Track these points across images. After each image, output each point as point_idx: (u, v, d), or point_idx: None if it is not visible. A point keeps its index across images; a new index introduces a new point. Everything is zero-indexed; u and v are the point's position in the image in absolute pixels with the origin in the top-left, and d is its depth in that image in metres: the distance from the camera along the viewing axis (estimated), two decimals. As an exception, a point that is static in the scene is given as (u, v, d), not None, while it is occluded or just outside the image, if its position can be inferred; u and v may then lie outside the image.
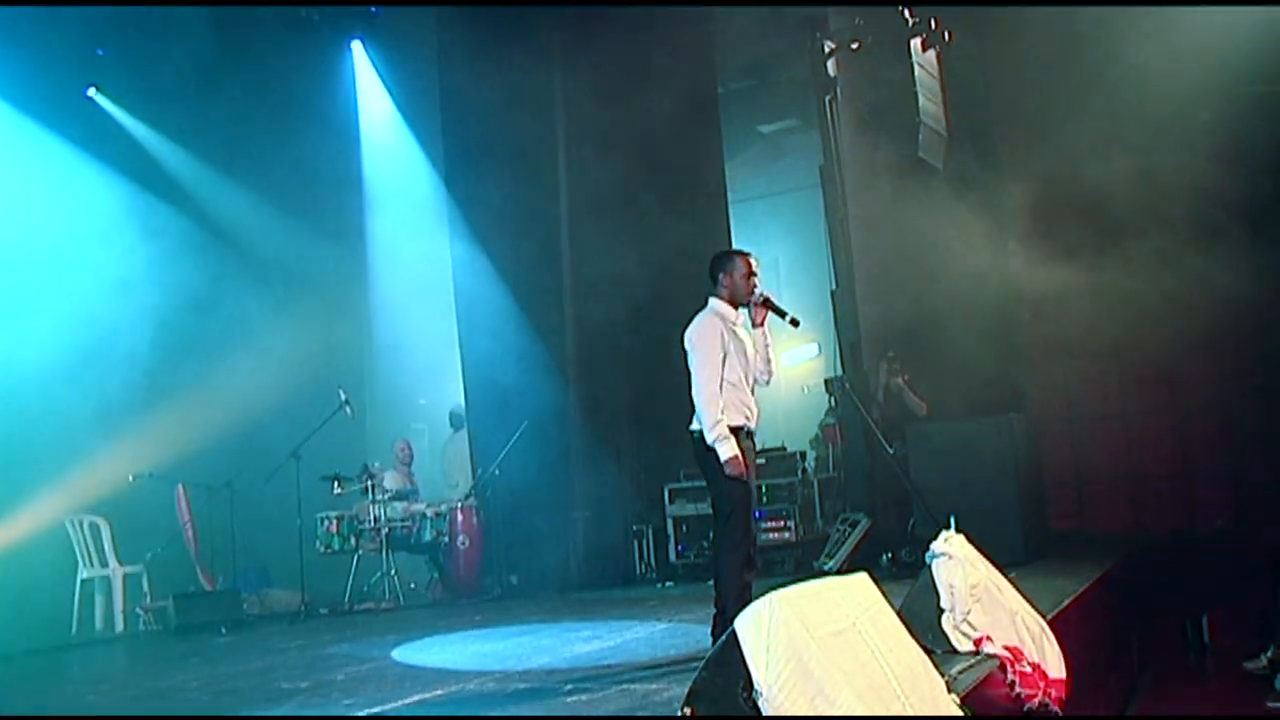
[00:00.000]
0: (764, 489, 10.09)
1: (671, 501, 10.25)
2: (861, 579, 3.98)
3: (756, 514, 10.02)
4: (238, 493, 9.32)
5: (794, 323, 5.20)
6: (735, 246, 5.72)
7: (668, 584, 9.65)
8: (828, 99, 9.78)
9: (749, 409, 5.22)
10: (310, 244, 11.55)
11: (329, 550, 9.63)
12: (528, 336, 10.25)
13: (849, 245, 9.71)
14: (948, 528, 5.30)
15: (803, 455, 10.66)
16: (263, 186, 10.99)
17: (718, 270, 5.32)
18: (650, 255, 10.42)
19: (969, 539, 5.20)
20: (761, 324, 5.33)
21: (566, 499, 10.14)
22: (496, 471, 10.09)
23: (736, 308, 5.30)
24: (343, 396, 9.56)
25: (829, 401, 10.69)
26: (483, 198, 10.56)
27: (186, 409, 10.04)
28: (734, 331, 5.23)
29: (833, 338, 10.63)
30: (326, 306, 11.74)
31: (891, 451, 9.01)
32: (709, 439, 5.06)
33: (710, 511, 9.83)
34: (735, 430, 5.12)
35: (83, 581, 9.04)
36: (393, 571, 9.49)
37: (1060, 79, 10.43)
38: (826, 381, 10.18)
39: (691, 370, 5.16)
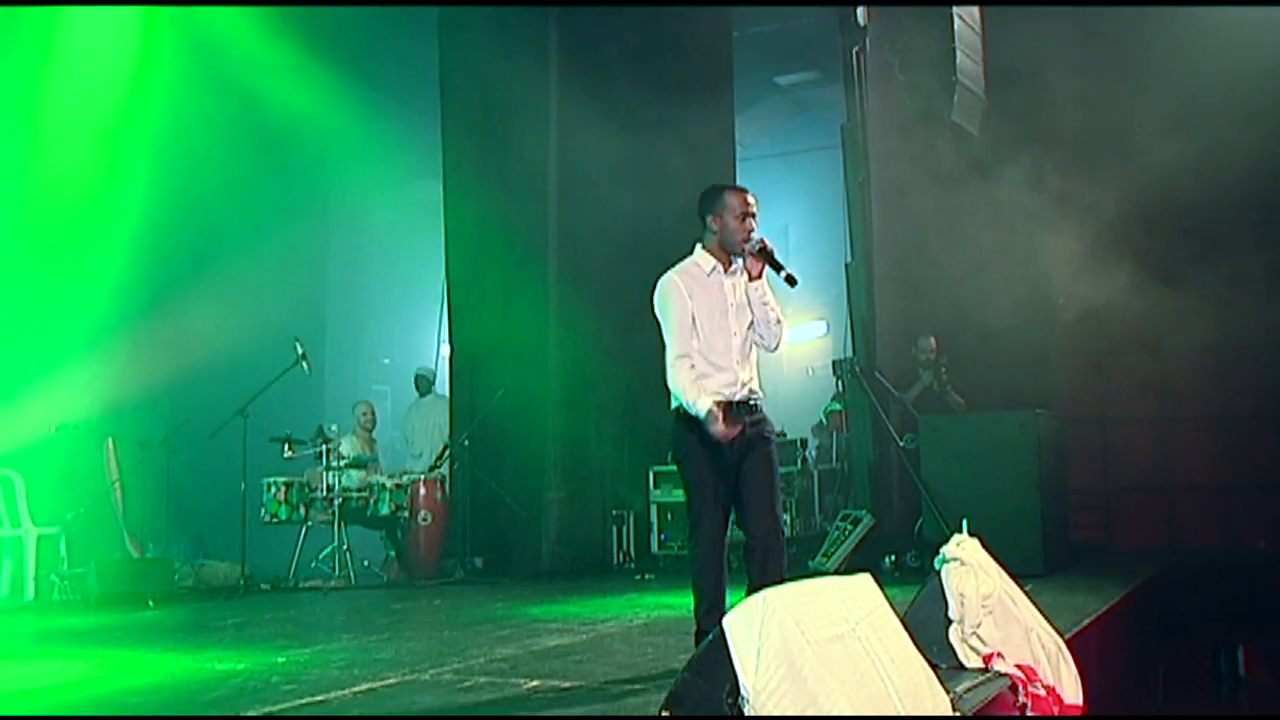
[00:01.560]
0: (759, 478, 10.08)
1: (656, 486, 10.29)
2: (864, 580, 3.97)
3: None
4: (175, 451, 9.29)
5: (790, 280, 4.77)
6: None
7: (647, 575, 9.68)
8: (855, 50, 9.71)
9: (730, 380, 4.80)
10: (268, 180, 11.46)
11: (275, 520, 9.61)
12: (517, 299, 10.23)
13: (869, 214, 9.66)
14: (959, 531, 5.28)
15: (803, 443, 10.76)
16: (214, 118, 10.86)
17: (705, 209, 4.90)
18: (645, 214, 10.44)
19: (983, 544, 5.19)
20: (758, 276, 4.84)
21: (541, 477, 10.14)
22: (466, 442, 10.07)
23: (729, 256, 4.87)
24: (299, 350, 9.51)
25: (836, 386, 10.69)
26: (476, 149, 10.64)
27: (120, 354, 9.97)
28: (707, 287, 4.82)
29: (844, 315, 10.63)
30: (285, 250, 11.66)
31: (902, 444, 9.04)
32: (686, 396, 4.71)
33: None
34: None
35: (-12, 543, 8.99)
36: (345, 546, 9.48)
37: (1116, 50, 10.38)
38: (834, 363, 10.16)
39: (662, 326, 4.87)
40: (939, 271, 9.50)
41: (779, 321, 4.91)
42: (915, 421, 9.12)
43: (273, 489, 9.62)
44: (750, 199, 4.89)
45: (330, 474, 9.63)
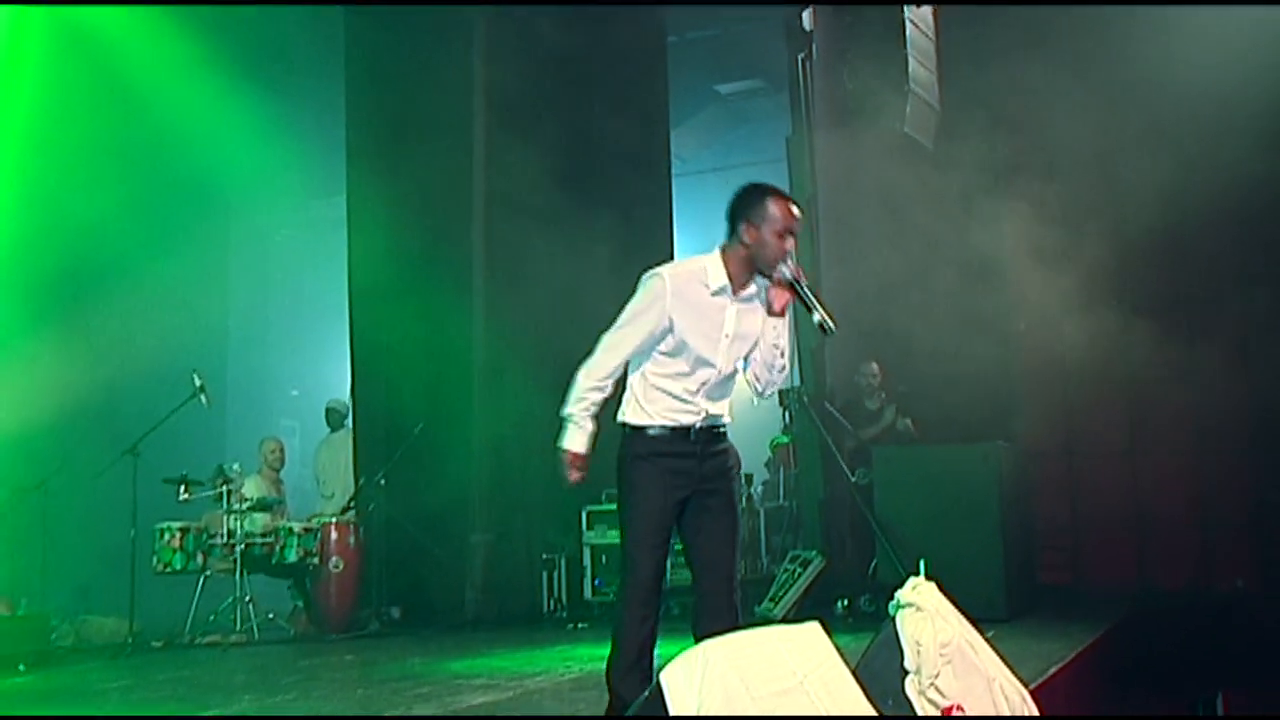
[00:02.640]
0: (700, 517, 10.08)
1: (590, 527, 10.24)
2: (812, 629, 3.96)
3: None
4: (53, 495, 9.07)
5: (824, 326, 4.29)
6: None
7: (580, 625, 9.61)
8: (800, 57, 9.80)
9: (695, 409, 4.43)
10: (159, 195, 11.29)
11: (168, 569, 9.40)
12: (431, 324, 10.15)
13: (815, 233, 9.68)
14: (916, 573, 5.28)
15: (749, 479, 10.74)
16: (95, 127, 10.68)
17: (740, 213, 4.37)
18: (577, 233, 10.43)
19: (940, 588, 5.18)
20: (780, 312, 4.38)
21: (464, 519, 10.05)
22: (381, 482, 9.96)
23: (748, 277, 4.40)
24: (197, 382, 9.38)
25: (783, 417, 10.72)
26: (387, 164, 10.57)
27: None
28: (702, 308, 4.36)
29: (791, 342, 10.63)
30: (181, 271, 11.48)
31: (854, 479, 9.06)
32: (564, 409, 4.41)
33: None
34: (663, 429, 4.40)
35: None
36: (247, 598, 9.31)
37: (1082, 60, 10.56)
38: (781, 393, 10.13)
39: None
40: (892, 294, 9.55)
41: (784, 369, 4.49)
42: (868, 455, 9.15)
43: (166, 535, 9.41)
44: (797, 214, 4.40)
45: (231, 518, 9.45)
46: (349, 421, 11.57)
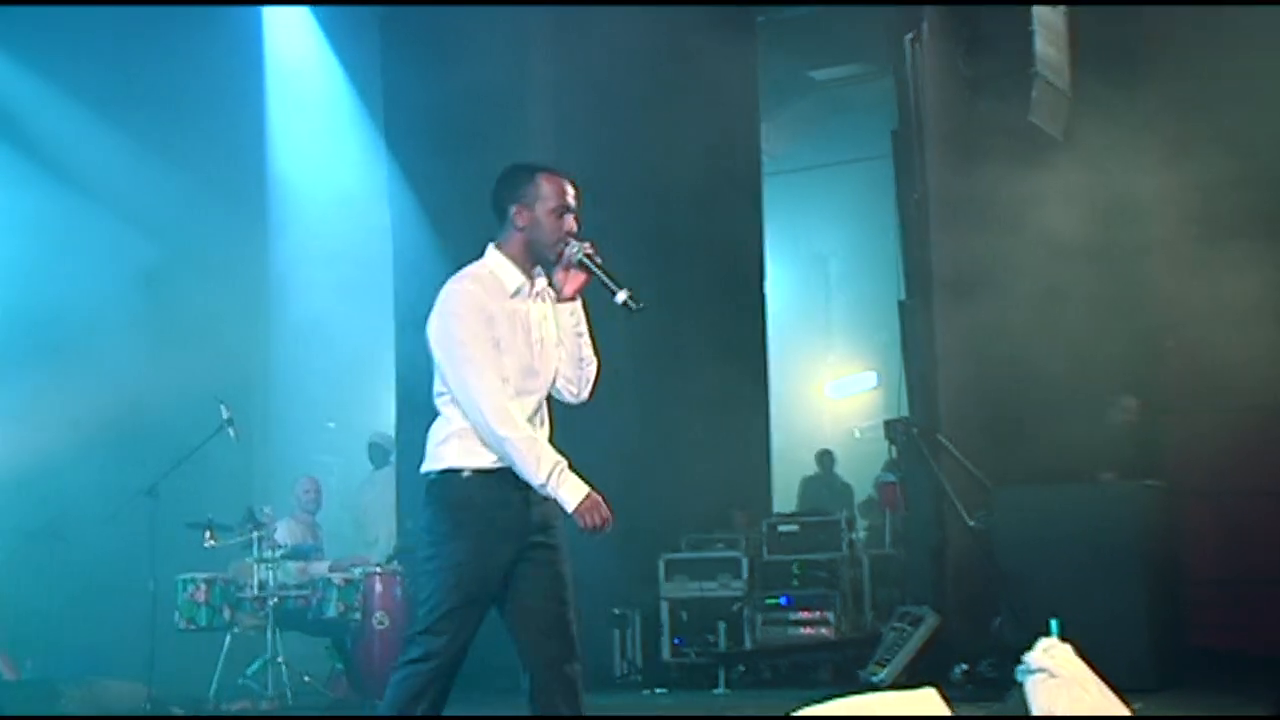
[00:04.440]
0: (795, 567, 10.07)
1: (668, 578, 10.25)
2: (929, 696, 3.96)
3: (783, 600, 10.15)
4: (64, 542, 9.19)
5: (629, 304, 4.25)
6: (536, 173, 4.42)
7: (657, 690, 9.64)
8: (909, 38, 9.73)
9: None
10: (192, 213, 11.48)
11: (191, 626, 9.49)
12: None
13: (927, 239, 9.63)
14: (1047, 634, 5.25)
15: (850, 523, 10.72)
16: (130, 132, 10.92)
17: (505, 196, 4.34)
18: (651, 247, 10.45)
19: (1076, 651, 5.15)
20: (573, 296, 4.35)
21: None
22: (429, 526, 9.99)
23: (532, 266, 4.34)
24: (224, 414, 9.46)
25: (890, 452, 10.63)
26: (433, 175, 10.70)
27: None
28: (510, 313, 4.27)
29: (897, 364, 10.58)
30: (209, 296, 11.63)
31: (972, 524, 8.96)
32: (537, 475, 4.17)
33: (719, 592, 10.17)
34: (484, 474, 4.25)
35: None
36: (280, 659, 9.37)
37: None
38: (886, 424, 10.09)
39: (446, 376, 4.28)
40: (1016, 309, 9.44)
41: (593, 362, 4.45)
42: (987, 494, 9.04)
43: (189, 588, 9.50)
44: (573, 190, 4.37)
45: (262, 568, 9.53)
46: (394, 458, 11.64)
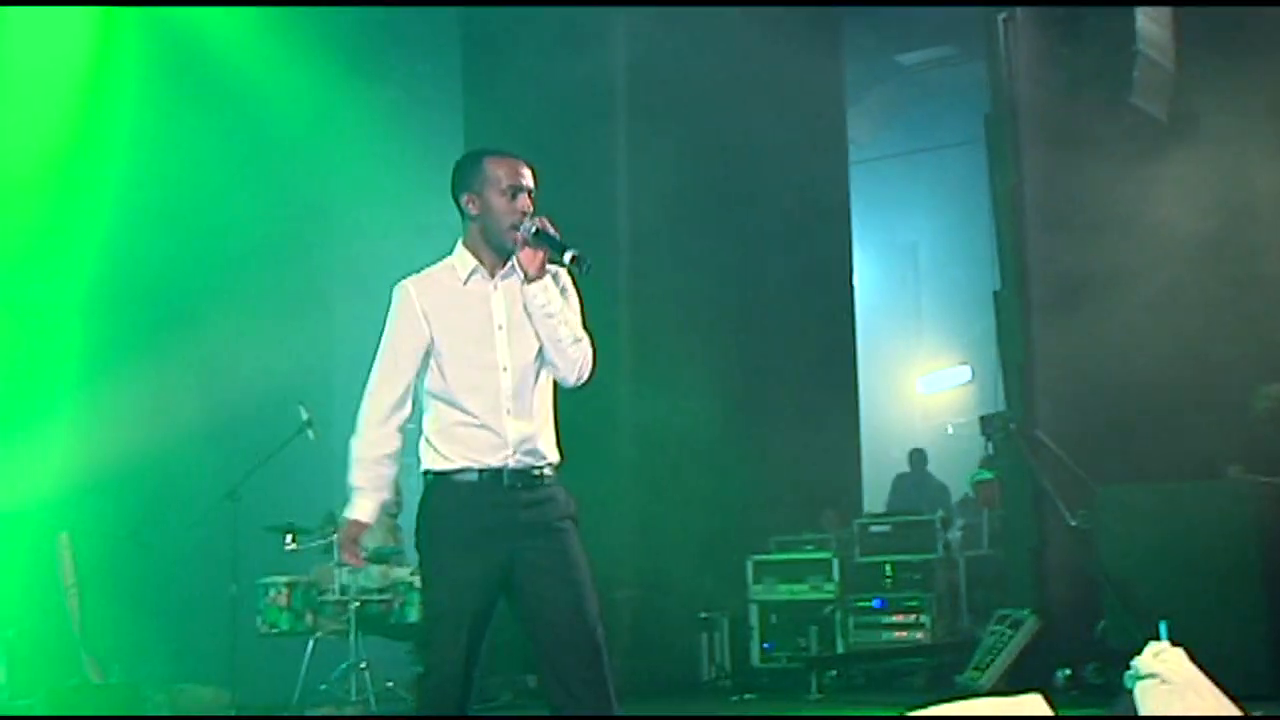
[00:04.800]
0: (888, 569, 10.02)
1: (757, 580, 10.28)
2: (1034, 702, 3.96)
3: (875, 603, 10.10)
4: (146, 547, 9.32)
5: (577, 261, 4.20)
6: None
7: (747, 696, 9.60)
8: (1001, 17, 9.66)
9: (495, 442, 4.21)
10: (258, 205, 11.59)
11: (274, 631, 9.60)
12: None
13: (1023, 227, 9.59)
14: (1156, 637, 5.19)
15: (945, 523, 10.66)
16: (191, 134, 11.05)
17: (458, 187, 4.36)
18: (737, 236, 10.43)
19: (1189, 655, 5.07)
20: (538, 274, 4.24)
21: (608, 570, 10.03)
22: (512, 528, 10.03)
23: (496, 255, 4.32)
24: (304, 415, 9.53)
25: (986, 448, 10.56)
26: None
27: (76, 424, 10.05)
28: (459, 301, 4.29)
29: (992, 357, 10.51)
30: (283, 290, 11.75)
31: (1074, 523, 8.86)
32: (352, 459, 4.30)
33: (810, 595, 10.13)
34: (449, 478, 4.22)
35: (-90, 666, 9.06)
36: (362, 664, 9.43)
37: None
38: (982, 419, 10.03)
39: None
40: (1120, 299, 9.33)
41: (577, 340, 4.33)
42: (1090, 493, 8.94)
43: (271, 592, 9.62)
44: (524, 170, 4.37)
45: (344, 571, 9.60)
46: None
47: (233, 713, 8.86)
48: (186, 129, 10.76)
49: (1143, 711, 4.94)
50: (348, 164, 12.77)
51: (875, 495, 13.43)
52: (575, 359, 4.31)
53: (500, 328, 4.27)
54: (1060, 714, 4.04)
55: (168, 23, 10.66)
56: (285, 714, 9.16)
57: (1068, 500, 9.04)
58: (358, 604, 9.54)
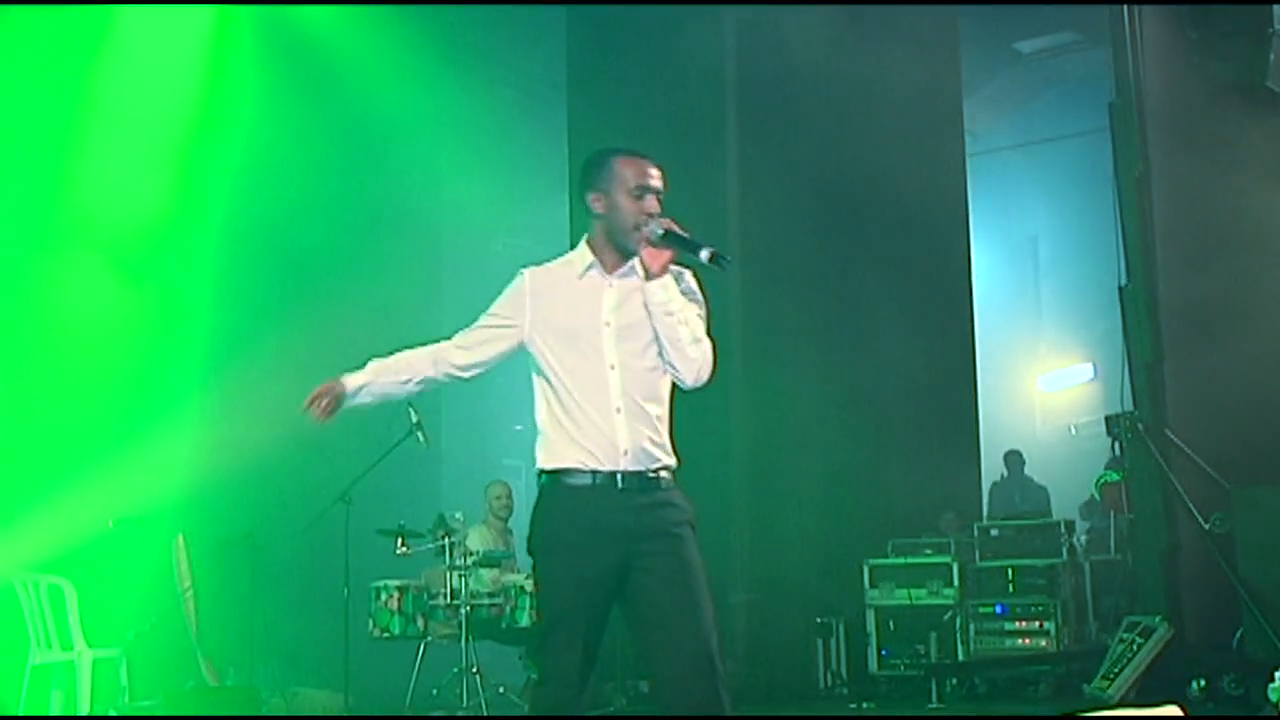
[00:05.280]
0: (1010, 573, 9.91)
1: (873, 584, 10.20)
2: (1171, 716, 3.75)
3: (997, 609, 9.95)
4: (261, 550, 9.41)
5: (716, 260, 4.11)
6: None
7: (865, 704, 9.52)
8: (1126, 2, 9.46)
9: (603, 441, 4.17)
10: (369, 207, 11.70)
11: (386, 634, 9.66)
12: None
13: (1150, 221, 9.43)
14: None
15: (1070, 526, 10.51)
16: (306, 137, 11.18)
17: (585, 184, 4.34)
18: (850, 238, 10.35)
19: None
20: (661, 272, 4.19)
21: (722, 574, 10.03)
22: (624, 531, 10.01)
23: (618, 253, 4.29)
24: (414, 418, 9.55)
25: (1112, 449, 10.37)
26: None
27: (192, 428, 10.21)
28: (572, 295, 4.27)
29: (1118, 355, 10.31)
30: (391, 291, 11.84)
31: (1208, 526, 8.72)
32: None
33: (928, 600, 10.02)
34: (561, 476, 4.19)
35: (34, 668, 9.09)
36: (474, 668, 9.47)
37: None
38: (1108, 419, 9.87)
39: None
40: (1252, 294, 9.10)
41: (697, 341, 4.22)
42: (1224, 495, 8.75)
43: (383, 595, 9.68)
44: (653, 170, 4.30)
45: (455, 575, 9.63)
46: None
47: (346, 715, 8.91)
48: (301, 127, 10.93)
49: (1288, 727, 4.78)
50: (458, 162, 12.87)
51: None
52: (695, 360, 4.20)
53: (607, 325, 4.23)
54: (1198, 728, 3.89)
55: (281, 20, 10.84)
56: (398, 716, 9.23)
57: (1201, 503, 8.89)
58: (468, 608, 9.57)
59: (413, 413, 9.59)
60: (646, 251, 4.17)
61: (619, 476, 4.13)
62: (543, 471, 4.23)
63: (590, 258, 4.29)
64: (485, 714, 9.35)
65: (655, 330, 4.19)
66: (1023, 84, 14.84)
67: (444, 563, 9.66)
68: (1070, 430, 14.71)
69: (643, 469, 4.17)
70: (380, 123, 11.79)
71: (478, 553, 9.94)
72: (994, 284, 15.93)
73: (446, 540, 9.64)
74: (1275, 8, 8.72)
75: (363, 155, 11.67)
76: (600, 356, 4.19)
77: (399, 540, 9.52)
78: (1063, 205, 15.43)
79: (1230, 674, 8.29)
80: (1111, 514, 10.95)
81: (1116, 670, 8.66)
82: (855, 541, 10.36)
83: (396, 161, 12.20)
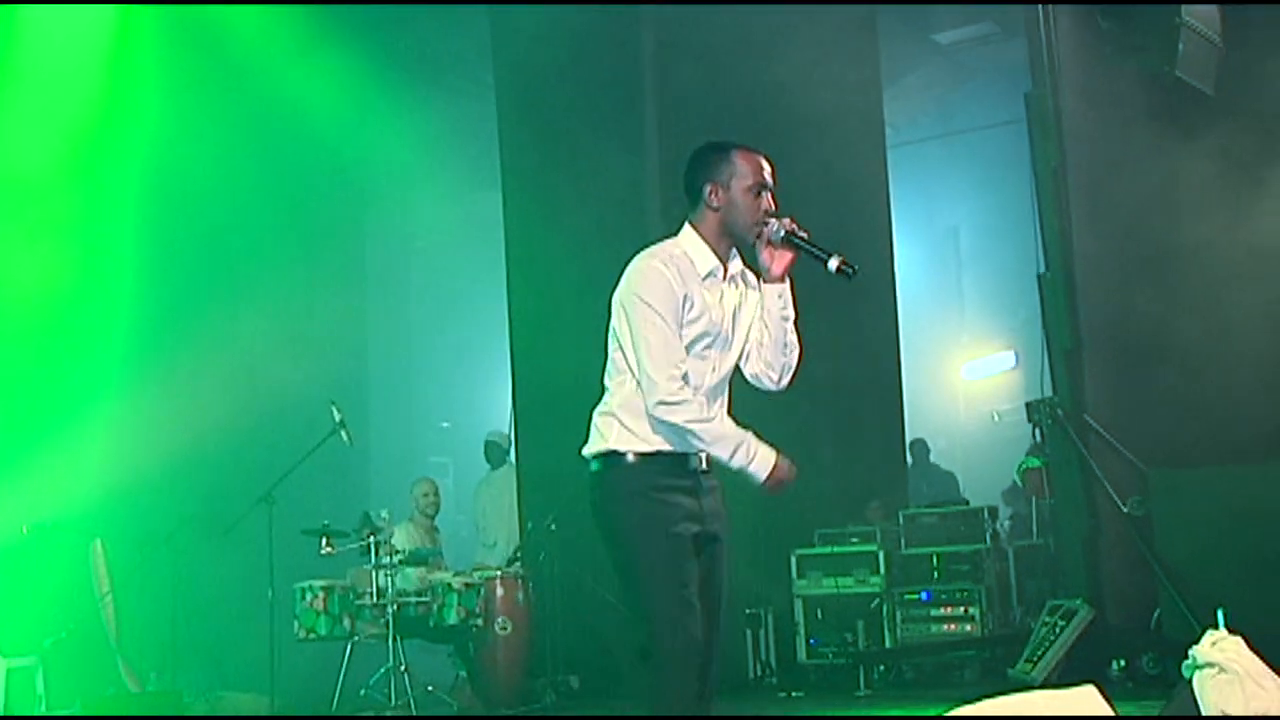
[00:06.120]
0: (935, 560, 10.00)
1: (800, 574, 10.26)
2: (1088, 695, 3.95)
3: (923, 595, 10.07)
4: (182, 553, 9.37)
5: (844, 270, 4.19)
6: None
7: (795, 693, 9.61)
8: (1042, -7, 9.62)
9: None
10: (287, 205, 11.66)
11: (311, 635, 9.61)
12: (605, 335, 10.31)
13: (1067, 209, 9.53)
14: (1214, 626, 5.16)
15: (993, 513, 10.64)
16: (215, 135, 11.13)
17: (701, 176, 4.35)
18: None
19: (1248, 644, 5.04)
20: (781, 277, 4.32)
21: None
22: (552, 527, 10.05)
23: (728, 248, 4.34)
24: (336, 416, 9.57)
25: (1033, 435, 10.49)
26: (546, 162, 10.84)
27: (107, 429, 10.12)
28: (704, 295, 4.26)
29: (1038, 342, 10.46)
30: (313, 290, 11.83)
31: (1126, 510, 8.86)
32: (724, 456, 4.24)
33: (856, 589, 10.09)
34: (649, 458, 4.24)
35: (-53, 679, 9.12)
36: (402, 667, 9.46)
37: None
38: (1029, 406, 9.97)
39: (631, 337, 4.25)
40: (1169, 279, 9.27)
41: (795, 348, 4.42)
42: (1142, 478, 8.91)
43: (308, 596, 9.63)
44: (769, 167, 4.38)
45: (381, 574, 9.60)
46: (511, 457, 11.72)
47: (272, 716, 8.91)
48: (217, 130, 10.86)
49: (1202, 702, 4.91)
50: (384, 163, 12.85)
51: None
52: (791, 364, 4.43)
53: (725, 328, 4.34)
54: (1116, 706, 4.01)
55: (190, 17, 10.75)
56: (325, 717, 9.23)
57: (1120, 486, 9.03)
58: (395, 607, 9.58)
59: (335, 411, 9.60)
60: (767, 252, 4.30)
61: (694, 458, 4.31)
62: (615, 452, 4.27)
63: (712, 260, 4.29)
64: (414, 713, 9.37)
65: (763, 331, 4.36)
66: (942, 75, 14.96)
67: (370, 562, 9.66)
68: (993, 417, 14.83)
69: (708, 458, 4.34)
70: (302, 123, 11.72)
71: (404, 551, 9.93)
72: (917, 274, 16.06)
73: (372, 539, 9.62)
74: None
75: (282, 156, 11.59)
76: (713, 354, 4.31)
77: (323, 540, 9.47)
78: (983, 195, 15.57)
79: (1149, 653, 8.44)
80: (1033, 499, 11.03)
81: (1040, 653, 8.77)
82: (782, 532, 10.39)
83: (317, 161, 12.15)
